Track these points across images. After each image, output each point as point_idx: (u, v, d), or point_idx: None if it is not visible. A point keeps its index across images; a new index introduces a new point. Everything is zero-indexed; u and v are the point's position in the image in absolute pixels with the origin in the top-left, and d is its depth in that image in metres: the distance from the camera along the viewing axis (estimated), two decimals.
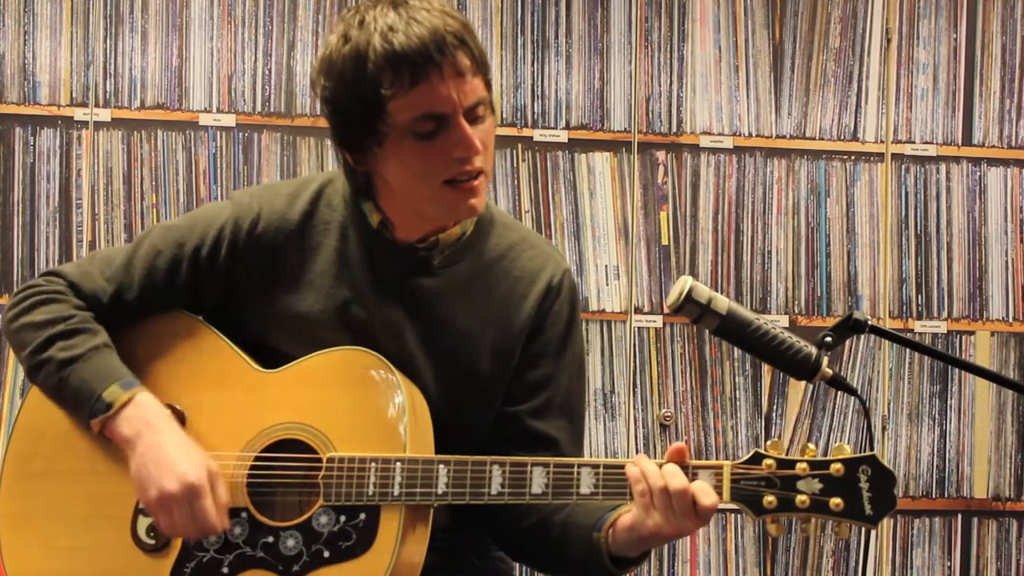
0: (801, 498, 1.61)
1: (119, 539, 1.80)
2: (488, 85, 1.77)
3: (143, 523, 1.80)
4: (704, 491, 1.62)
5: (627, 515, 1.69)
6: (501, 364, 1.87)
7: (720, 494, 1.63)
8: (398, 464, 1.71)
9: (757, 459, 1.64)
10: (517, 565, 2.07)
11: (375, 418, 1.75)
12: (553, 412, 1.89)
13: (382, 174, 1.80)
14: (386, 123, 1.73)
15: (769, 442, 1.65)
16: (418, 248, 1.85)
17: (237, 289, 1.88)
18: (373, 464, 1.72)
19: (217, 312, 1.90)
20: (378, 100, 1.71)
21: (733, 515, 3.51)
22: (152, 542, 1.79)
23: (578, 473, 1.68)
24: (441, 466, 1.71)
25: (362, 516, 1.72)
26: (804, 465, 1.62)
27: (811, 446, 1.64)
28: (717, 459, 3.51)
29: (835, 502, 1.60)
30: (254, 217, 1.87)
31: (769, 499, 1.62)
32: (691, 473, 1.64)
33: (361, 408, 1.76)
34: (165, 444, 1.74)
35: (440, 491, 1.71)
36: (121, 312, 1.88)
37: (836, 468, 1.61)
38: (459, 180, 1.75)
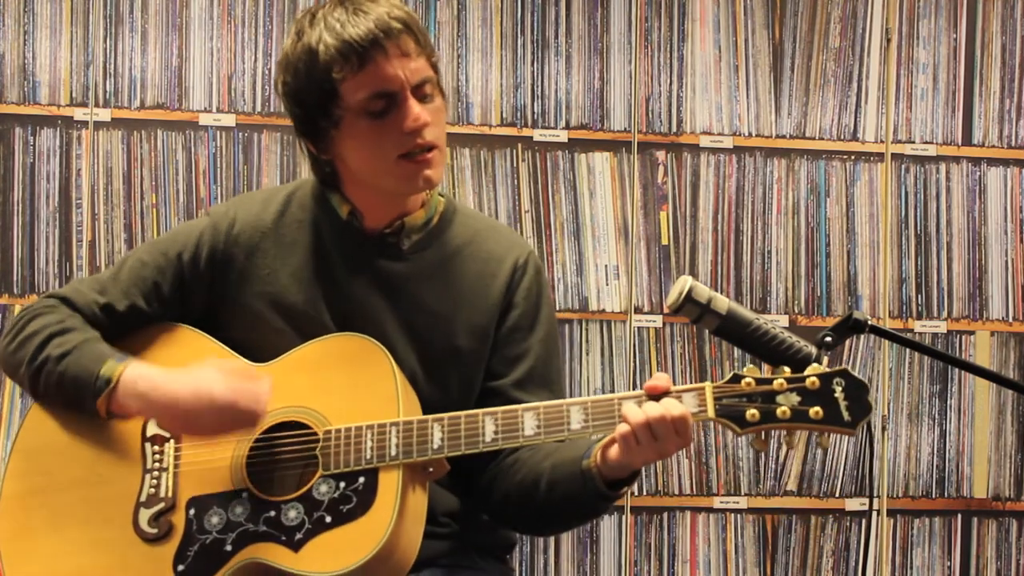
0: (782, 409, 1.70)
1: (121, 534, 1.82)
2: (435, 67, 1.90)
3: (144, 515, 1.82)
4: (672, 405, 1.69)
5: (612, 450, 1.74)
6: (478, 339, 1.94)
7: (705, 412, 1.71)
8: (393, 427, 1.77)
9: (736, 379, 1.72)
10: (519, 567, 2.08)
11: (367, 392, 1.81)
12: (535, 383, 1.96)
13: (343, 157, 1.91)
14: (340, 106, 1.85)
15: (746, 367, 1.73)
16: (387, 235, 1.94)
17: (221, 290, 1.95)
18: (369, 431, 1.77)
19: (203, 321, 1.96)
20: (331, 85, 1.84)
21: (733, 515, 3.51)
22: (154, 531, 1.81)
23: (568, 411, 1.75)
24: (435, 424, 1.77)
25: (361, 480, 1.76)
26: (781, 381, 1.71)
27: (786, 368, 1.72)
28: (718, 459, 3.51)
29: (814, 411, 1.69)
30: (230, 220, 1.96)
31: (752, 412, 1.70)
32: (675, 397, 1.72)
33: (353, 385, 1.82)
34: (175, 395, 1.79)
35: (436, 446, 1.76)
36: (113, 324, 1.94)
37: (811, 381, 1.70)
38: (413, 153, 1.86)
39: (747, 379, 1.71)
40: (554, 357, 2.02)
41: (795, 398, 1.70)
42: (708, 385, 1.72)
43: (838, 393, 1.69)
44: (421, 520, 1.79)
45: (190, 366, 1.83)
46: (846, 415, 1.69)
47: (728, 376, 1.72)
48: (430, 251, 1.96)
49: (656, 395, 1.72)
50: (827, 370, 1.70)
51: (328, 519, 1.74)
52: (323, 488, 1.76)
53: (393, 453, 1.75)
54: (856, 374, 1.70)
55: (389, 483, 1.74)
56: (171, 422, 1.82)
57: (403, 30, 1.83)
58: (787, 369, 1.71)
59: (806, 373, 1.70)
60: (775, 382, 1.70)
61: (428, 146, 1.86)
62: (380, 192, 1.92)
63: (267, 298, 1.92)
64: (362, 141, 1.87)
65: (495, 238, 2.01)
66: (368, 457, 1.76)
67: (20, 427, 1.93)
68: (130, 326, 1.94)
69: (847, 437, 3.21)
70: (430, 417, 1.78)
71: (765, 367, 1.78)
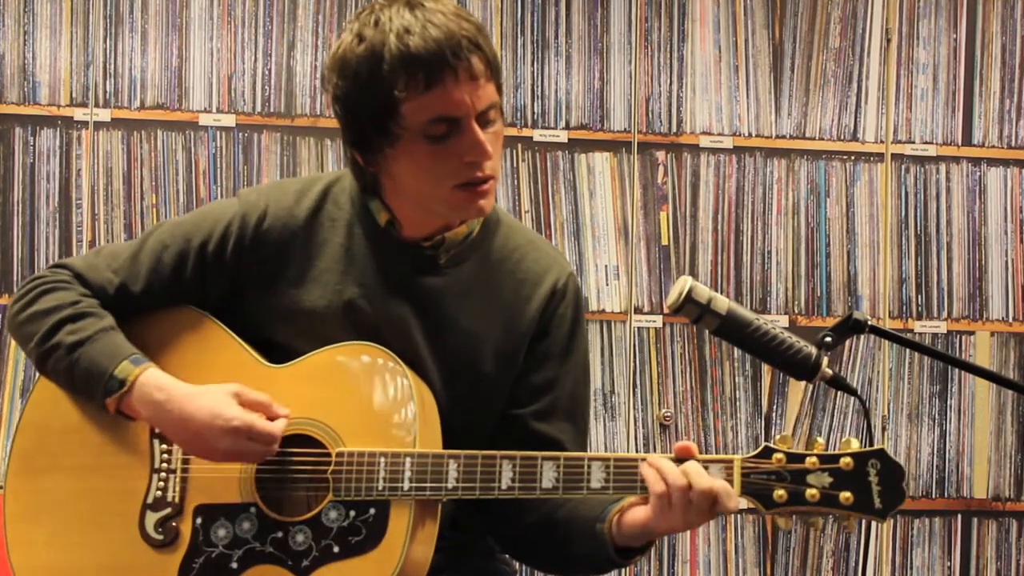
0: (811, 492, 1.62)
1: (127, 535, 1.80)
2: (500, 89, 1.78)
3: (151, 518, 1.80)
4: (728, 494, 1.63)
5: (638, 512, 1.69)
6: (505, 365, 1.87)
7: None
8: (408, 459, 1.72)
9: (767, 453, 1.65)
10: (519, 567, 2.07)
11: (384, 413, 1.75)
12: (558, 415, 1.90)
13: (392, 174, 1.81)
14: (399, 124, 1.73)
15: (778, 436, 1.66)
16: (424, 247, 1.86)
17: (243, 284, 1.88)
18: (383, 459, 1.72)
19: (223, 309, 1.90)
20: (392, 101, 1.71)
21: (733, 515, 3.51)
22: (160, 537, 1.79)
23: (588, 467, 1.69)
24: (451, 461, 1.71)
25: (372, 511, 1.72)
26: (814, 459, 1.63)
27: (819, 439, 1.65)
28: None
29: (845, 496, 1.61)
30: (261, 213, 1.87)
31: (779, 493, 1.63)
32: (702, 467, 1.65)
33: (370, 403, 1.77)
34: (189, 413, 1.75)
35: (450, 486, 1.71)
36: (127, 305, 1.88)
37: (845, 462, 1.62)
38: (471, 184, 1.76)
39: (778, 454, 1.64)
40: (582, 388, 1.94)
41: (826, 479, 1.62)
42: (737, 459, 1.65)
43: (872, 476, 1.61)
44: (430, 551, 1.75)
45: (210, 384, 1.78)
46: (878, 502, 1.61)
47: (759, 448, 1.66)
48: (467, 265, 1.88)
49: (683, 459, 1.65)
50: (863, 450, 1.63)
51: (336, 548, 1.71)
52: (332, 514, 1.73)
53: (406, 488, 1.71)
54: (893, 457, 1.62)
55: (400, 520, 1.70)
56: (181, 440, 1.77)
57: (474, 50, 1.71)
58: (820, 442, 1.64)
59: (840, 451, 1.63)
60: (807, 460, 1.63)
61: (486, 178, 1.76)
62: (423, 212, 1.84)
63: (289, 299, 1.86)
64: (417, 164, 1.75)
65: (534, 256, 1.92)
66: (380, 488, 1.71)
67: (28, 400, 1.88)
68: (144, 309, 1.88)
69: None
70: (446, 453, 1.73)
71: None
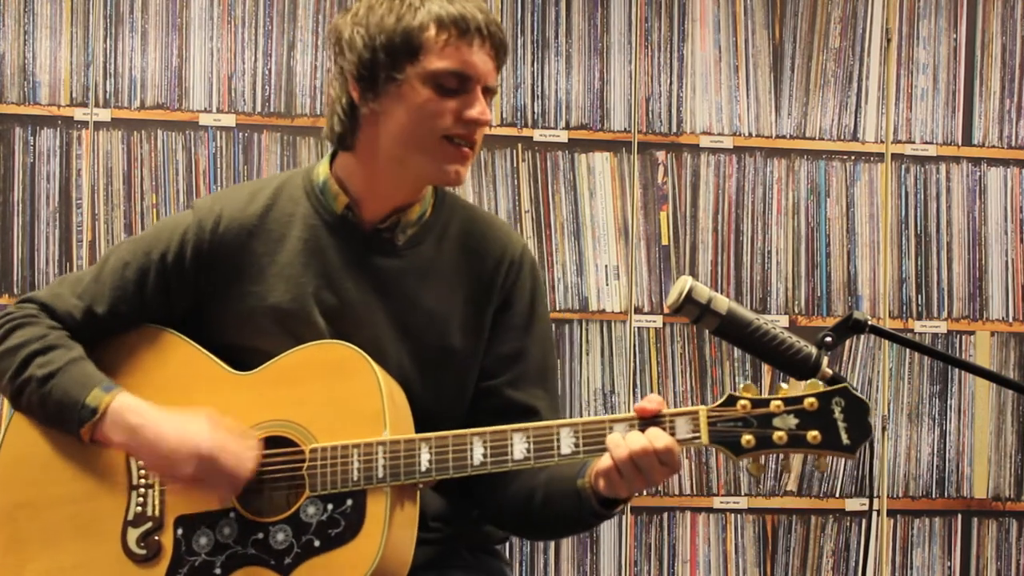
0: (778, 434, 1.64)
1: (109, 553, 1.81)
2: (497, 87, 1.89)
3: (133, 534, 1.81)
4: (656, 437, 1.65)
5: (601, 479, 1.72)
6: (472, 338, 1.91)
7: (699, 438, 1.66)
8: (380, 447, 1.74)
9: (731, 401, 1.66)
10: (518, 566, 2.07)
11: (353, 407, 1.77)
12: (529, 382, 1.93)
13: (382, 118, 1.85)
14: (414, 66, 1.82)
15: (742, 385, 1.68)
16: (381, 230, 1.90)
17: (207, 291, 1.90)
18: (355, 450, 1.74)
19: (188, 321, 1.92)
20: (419, 42, 1.81)
21: (733, 515, 3.51)
22: (143, 552, 1.79)
23: (558, 434, 1.71)
24: (423, 444, 1.74)
25: (349, 502, 1.73)
26: (778, 402, 1.65)
27: (783, 385, 1.67)
28: (718, 459, 3.51)
29: (812, 435, 1.63)
30: (216, 217, 1.90)
31: (747, 438, 1.64)
32: (668, 421, 1.67)
33: (338, 399, 1.79)
34: (160, 436, 1.76)
35: (424, 468, 1.73)
36: (95, 328, 1.89)
37: (810, 402, 1.64)
38: (458, 139, 1.84)
39: (743, 401, 1.65)
40: (549, 354, 1.99)
41: (792, 421, 1.64)
42: (702, 409, 1.66)
43: (837, 414, 1.63)
44: (412, 534, 1.76)
45: (183, 409, 1.79)
46: (845, 438, 1.63)
47: (723, 397, 1.67)
48: (424, 246, 1.92)
49: (647, 417, 1.68)
50: (826, 388, 1.64)
51: (317, 543, 1.73)
52: (311, 510, 1.74)
53: (380, 475, 1.73)
54: (856, 392, 1.64)
55: (377, 506, 1.72)
56: (152, 463, 1.79)
57: (498, 33, 1.85)
58: (784, 387, 1.66)
59: (804, 392, 1.64)
60: (771, 404, 1.64)
61: (472, 142, 1.85)
62: (393, 173, 1.87)
63: (254, 298, 1.88)
64: (416, 107, 1.82)
65: (490, 234, 1.97)
66: (355, 479, 1.73)
67: (4, 435, 1.89)
68: (112, 330, 1.90)
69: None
70: (417, 437, 1.75)
71: (763, 383, 1.75)
